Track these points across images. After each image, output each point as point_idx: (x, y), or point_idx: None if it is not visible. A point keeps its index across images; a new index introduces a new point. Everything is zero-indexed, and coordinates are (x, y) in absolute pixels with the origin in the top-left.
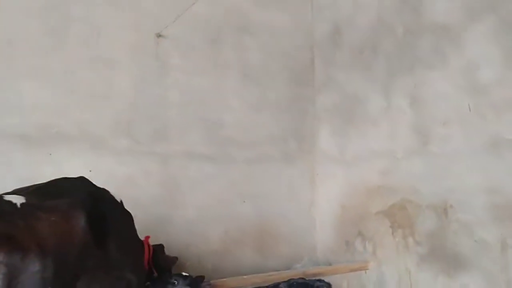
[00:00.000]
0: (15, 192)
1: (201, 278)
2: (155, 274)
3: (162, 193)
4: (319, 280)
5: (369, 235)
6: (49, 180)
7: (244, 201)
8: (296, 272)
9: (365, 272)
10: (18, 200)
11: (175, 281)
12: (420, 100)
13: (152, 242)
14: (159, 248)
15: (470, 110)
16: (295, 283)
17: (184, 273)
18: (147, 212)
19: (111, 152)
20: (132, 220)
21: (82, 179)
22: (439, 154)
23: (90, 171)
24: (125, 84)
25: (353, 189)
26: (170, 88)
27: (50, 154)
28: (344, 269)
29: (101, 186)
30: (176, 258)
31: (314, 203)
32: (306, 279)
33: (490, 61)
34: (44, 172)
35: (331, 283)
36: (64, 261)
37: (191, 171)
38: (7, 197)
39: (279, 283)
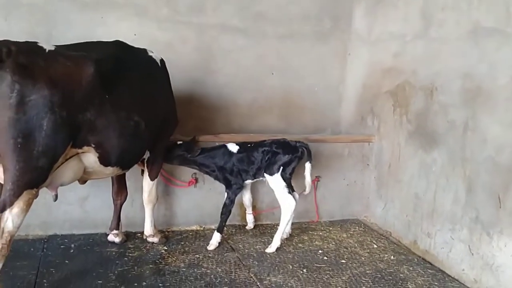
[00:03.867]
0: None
1: (192, 140)
2: None
3: (197, 59)
4: (299, 142)
5: (377, 112)
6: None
7: (273, 73)
8: (299, 136)
9: (369, 144)
10: (48, 47)
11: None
12: None
13: (186, 103)
14: None
15: None
16: (277, 141)
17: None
18: (184, 75)
19: (153, 20)
20: (162, 78)
21: (115, 42)
22: (435, 38)
23: (134, 34)
24: None
25: (372, 69)
26: None
27: (102, 17)
28: (346, 139)
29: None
30: None
31: (343, 81)
32: (287, 139)
33: None
34: (97, 32)
35: (334, 150)
36: (71, 95)
37: (224, 42)
38: (41, 43)
39: (264, 140)
